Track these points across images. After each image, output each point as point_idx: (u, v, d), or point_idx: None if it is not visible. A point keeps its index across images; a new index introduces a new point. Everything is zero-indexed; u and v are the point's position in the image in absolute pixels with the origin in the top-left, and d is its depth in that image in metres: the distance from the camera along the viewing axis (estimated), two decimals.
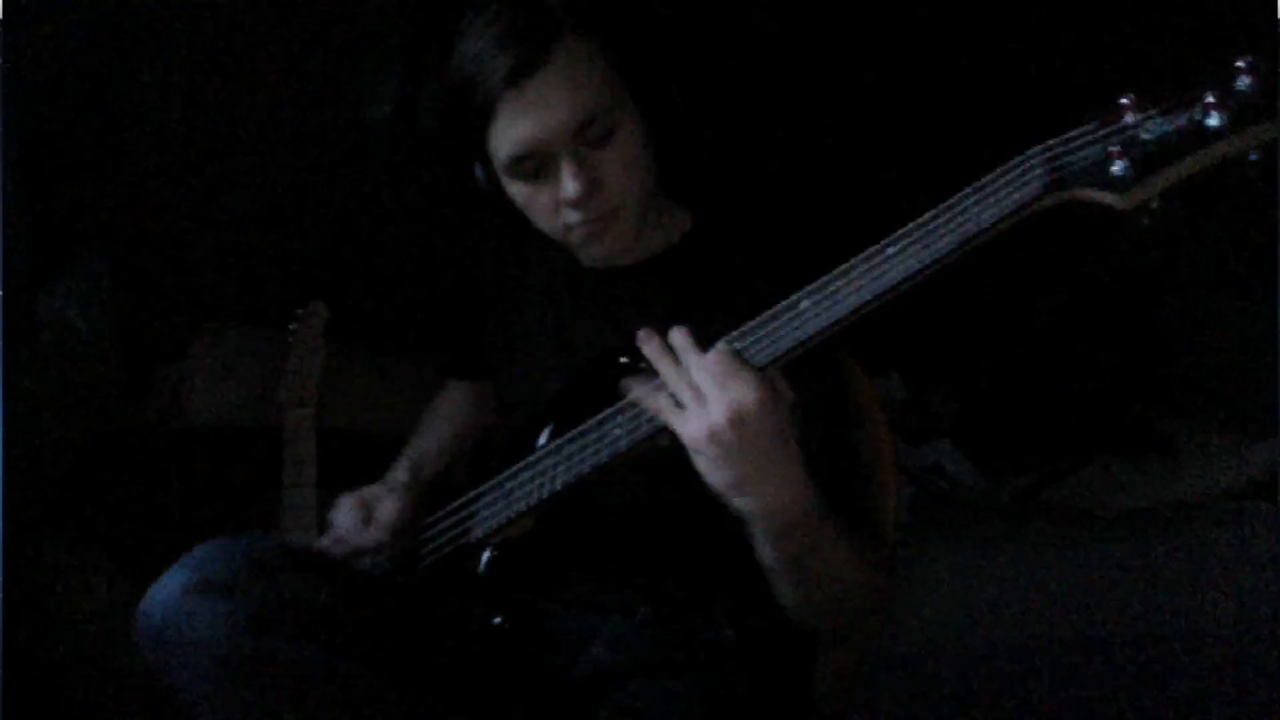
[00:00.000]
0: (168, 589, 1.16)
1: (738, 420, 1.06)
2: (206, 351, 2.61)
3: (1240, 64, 0.89)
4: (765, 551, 1.18)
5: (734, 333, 1.11)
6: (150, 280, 2.70)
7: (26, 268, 2.34)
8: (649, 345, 1.13)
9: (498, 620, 1.37)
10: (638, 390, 1.16)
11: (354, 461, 1.93)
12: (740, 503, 1.12)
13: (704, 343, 1.13)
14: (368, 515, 1.47)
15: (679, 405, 1.10)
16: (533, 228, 1.41)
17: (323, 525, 1.77)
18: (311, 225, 2.80)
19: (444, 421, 1.67)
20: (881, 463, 1.48)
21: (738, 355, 1.08)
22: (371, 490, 1.51)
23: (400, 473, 1.55)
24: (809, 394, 1.15)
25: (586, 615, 1.38)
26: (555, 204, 1.30)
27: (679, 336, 1.12)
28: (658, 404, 1.12)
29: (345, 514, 1.49)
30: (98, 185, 2.65)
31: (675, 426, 1.10)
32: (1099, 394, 2.79)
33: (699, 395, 1.08)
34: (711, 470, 1.10)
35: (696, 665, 1.34)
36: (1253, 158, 0.90)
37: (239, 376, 2.55)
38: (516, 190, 1.32)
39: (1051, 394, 2.81)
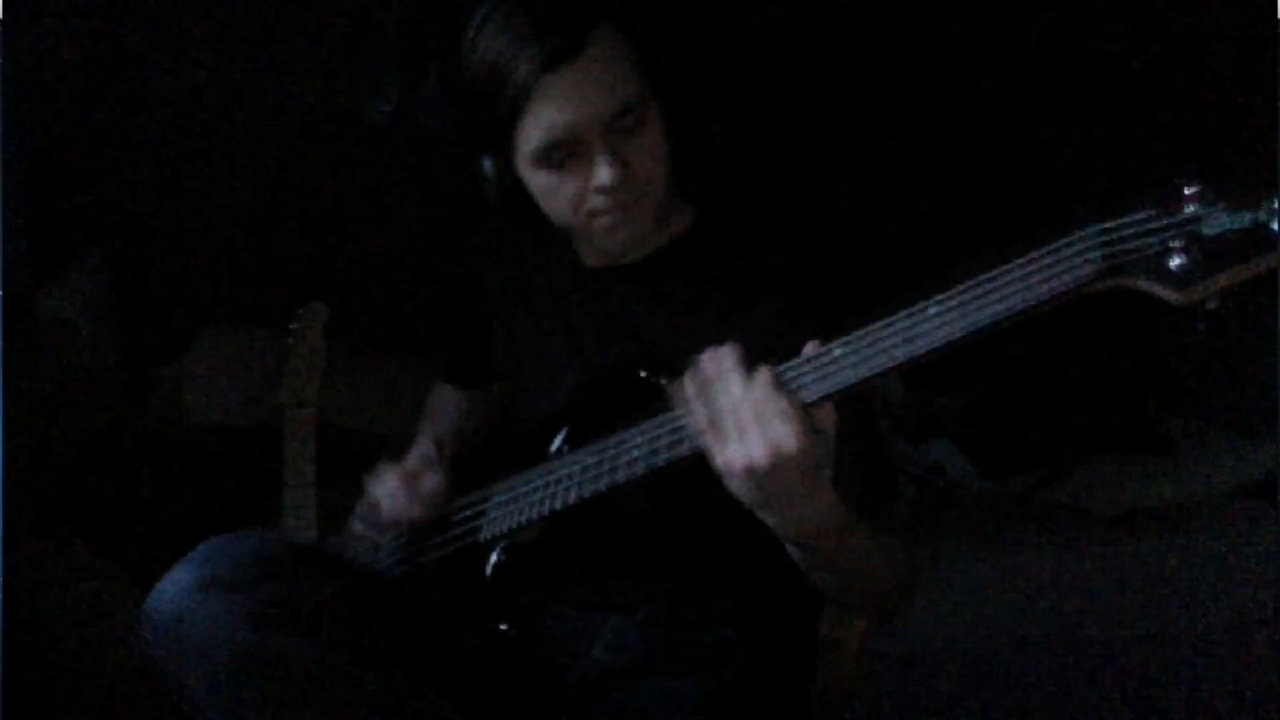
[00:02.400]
0: (174, 585, 1.16)
1: (776, 462, 1.04)
2: (206, 351, 2.61)
3: None
4: (794, 554, 1.18)
5: (781, 365, 1.08)
6: (150, 280, 2.70)
7: (26, 268, 2.34)
8: (705, 366, 1.08)
9: (503, 626, 1.37)
10: (678, 401, 1.12)
11: (354, 461, 1.93)
12: (766, 519, 1.12)
13: (720, 339, 1.11)
14: (413, 488, 1.45)
15: (718, 428, 1.07)
16: (535, 228, 1.40)
17: (323, 525, 1.78)
18: (312, 225, 2.80)
19: (443, 416, 1.67)
20: None
21: (784, 388, 1.06)
22: (411, 462, 1.49)
23: (426, 447, 1.54)
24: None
25: (588, 615, 1.38)
26: (581, 192, 1.29)
27: (729, 358, 1.09)
28: (697, 421, 1.09)
29: (390, 487, 1.46)
30: (98, 185, 2.65)
31: (710, 450, 1.08)
32: (1099, 394, 2.78)
33: (740, 426, 1.06)
34: (741, 493, 1.09)
35: (696, 665, 1.34)
36: None
37: (239, 376, 2.55)
38: (541, 180, 1.31)
39: (1052, 394, 2.81)
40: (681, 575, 1.38)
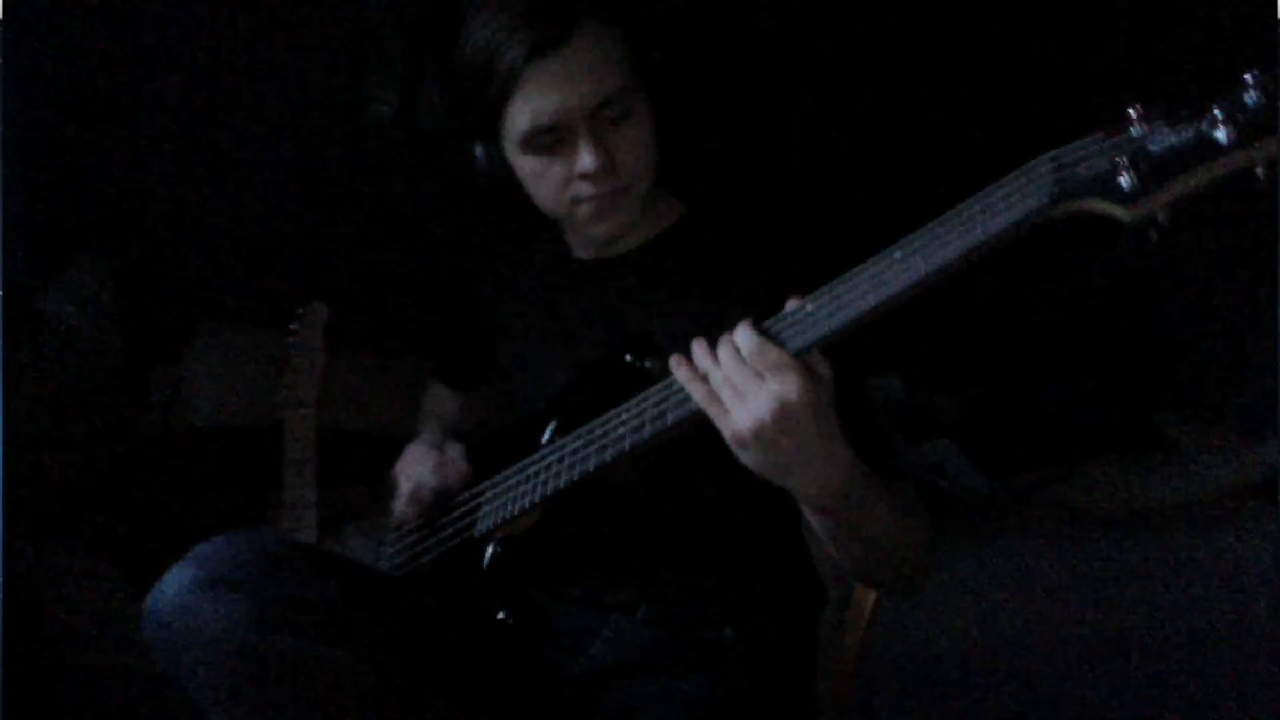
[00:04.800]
0: (174, 584, 1.16)
1: (782, 414, 1.05)
2: (206, 351, 2.61)
3: (1248, 78, 0.88)
4: (816, 523, 1.18)
5: (763, 323, 1.09)
6: (150, 280, 2.70)
7: (26, 268, 2.34)
8: (680, 370, 1.11)
9: (502, 615, 1.37)
10: (678, 371, 1.12)
11: (354, 461, 1.93)
12: (786, 484, 1.11)
13: (705, 338, 1.11)
14: (442, 464, 1.46)
15: (719, 400, 1.08)
16: (527, 221, 1.41)
17: (323, 525, 1.78)
18: (311, 225, 2.80)
19: (440, 415, 1.68)
20: None
21: (771, 341, 1.07)
22: (429, 441, 1.52)
23: (436, 433, 1.56)
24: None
25: (588, 612, 1.39)
26: (566, 178, 1.32)
27: (703, 343, 1.10)
28: (700, 401, 1.10)
29: (423, 469, 1.47)
30: (98, 185, 2.65)
31: (718, 423, 1.09)
32: (1099, 394, 2.79)
33: (738, 391, 1.07)
34: (756, 462, 1.09)
35: (696, 664, 1.34)
36: (1259, 173, 0.89)
37: (239, 376, 2.55)
38: (527, 165, 1.33)
39: (1051, 394, 2.81)
40: (681, 573, 1.39)
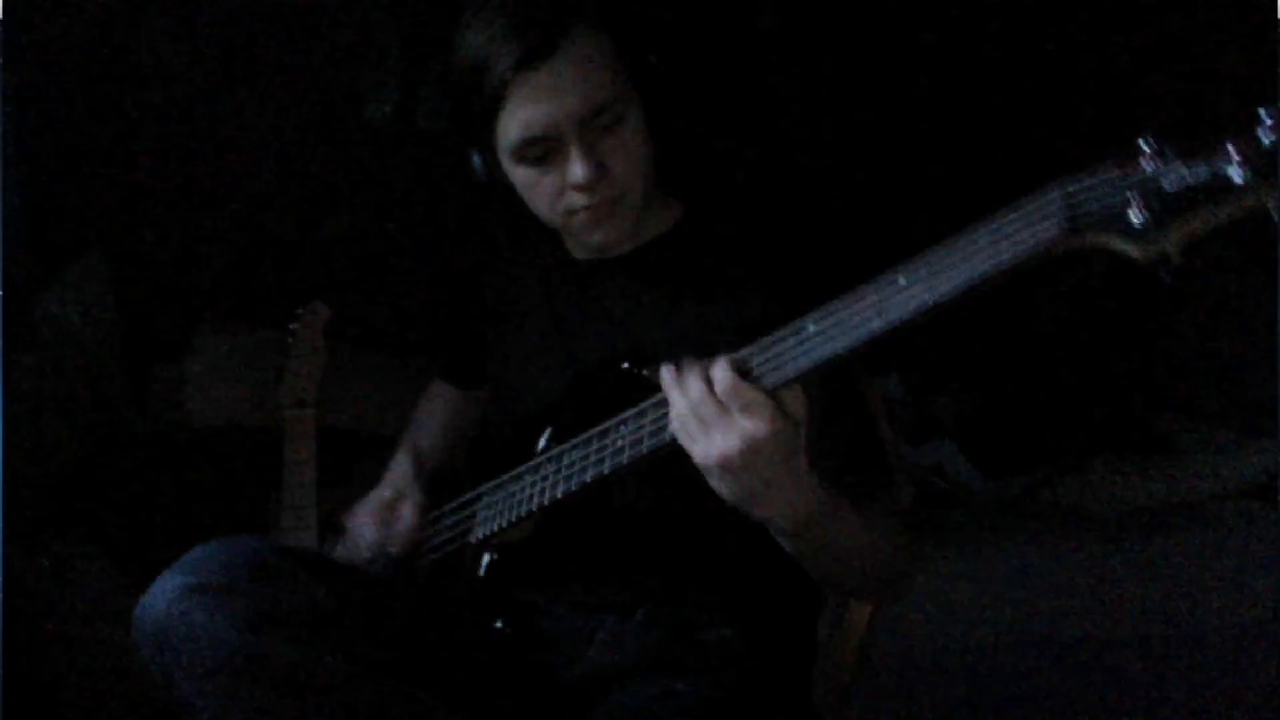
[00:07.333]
0: (165, 590, 1.16)
1: (749, 450, 1.06)
2: (206, 351, 2.61)
3: (1263, 114, 0.86)
4: (786, 546, 1.18)
5: (740, 351, 1.10)
6: (150, 280, 2.70)
7: (26, 268, 2.34)
8: (665, 377, 1.12)
9: (498, 624, 1.37)
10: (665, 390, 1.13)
11: (354, 461, 1.93)
12: (751, 512, 1.13)
13: (703, 341, 1.12)
14: (390, 522, 1.48)
15: (688, 428, 1.09)
16: (526, 223, 1.41)
17: (323, 525, 1.77)
18: (311, 225, 2.80)
19: (435, 417, 1.67)
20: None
21: (747, 381, 1.07)
22: (383, 494, 1.52)
23: (405, 468, 1.56)
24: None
25: (584, 615, 1.38)
26: (559, 189, 1.31)
27: (672, 371, 1.11)
28: (673, 422, 1.11)
29: (368, 526, 1.49)
30: (98, 185, 2.65)
31: (687, 448, 1.10)
32: (1099, 394, 2.79)
33: (706, 422, 1.08)
34: (722, 489, 1.10)
35: (695, 665, 1.34)
36: (1274, 214, 0.87)
37: (239, 376, 2.55)
38: (520, 175, 1.33)
39: (1051, 394, 2.81)
40: (679, 575, 1.38)
